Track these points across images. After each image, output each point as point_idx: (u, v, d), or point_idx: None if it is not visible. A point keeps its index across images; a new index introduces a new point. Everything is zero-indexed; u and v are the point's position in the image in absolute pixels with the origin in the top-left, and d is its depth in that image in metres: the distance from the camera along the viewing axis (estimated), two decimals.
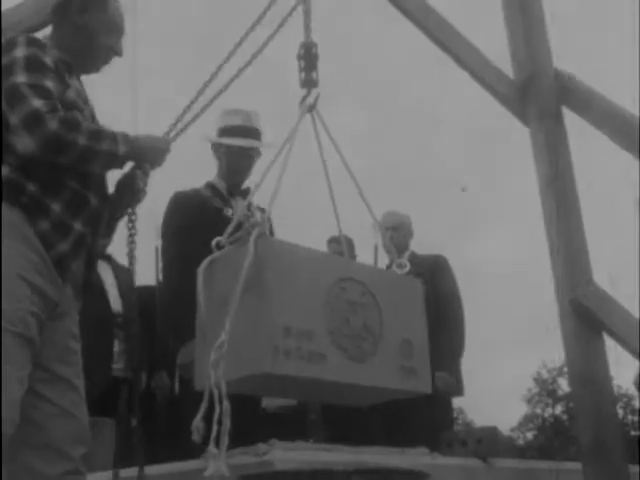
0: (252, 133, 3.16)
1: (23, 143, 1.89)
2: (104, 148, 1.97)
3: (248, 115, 3.18)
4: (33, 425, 1.91)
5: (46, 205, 1.94)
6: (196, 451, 2.11)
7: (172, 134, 2.29)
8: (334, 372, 1.81)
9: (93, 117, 2.18)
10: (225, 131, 3.16)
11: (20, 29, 2.86)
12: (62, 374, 1.99)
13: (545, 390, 33.98)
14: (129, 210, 2.23)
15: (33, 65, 1.96)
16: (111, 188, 2.21)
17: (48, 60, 2.01)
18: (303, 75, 2.29)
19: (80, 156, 1.94)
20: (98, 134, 1.97)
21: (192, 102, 2.32)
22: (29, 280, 1.87)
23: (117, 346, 3.93)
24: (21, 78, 1.92)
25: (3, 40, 2.03)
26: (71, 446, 1.95)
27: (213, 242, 1.92)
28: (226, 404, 1.62)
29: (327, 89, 2.25)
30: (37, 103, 1.89)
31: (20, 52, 1.97)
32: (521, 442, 33.32)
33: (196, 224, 2.93)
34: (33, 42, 2.02)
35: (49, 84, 1.97)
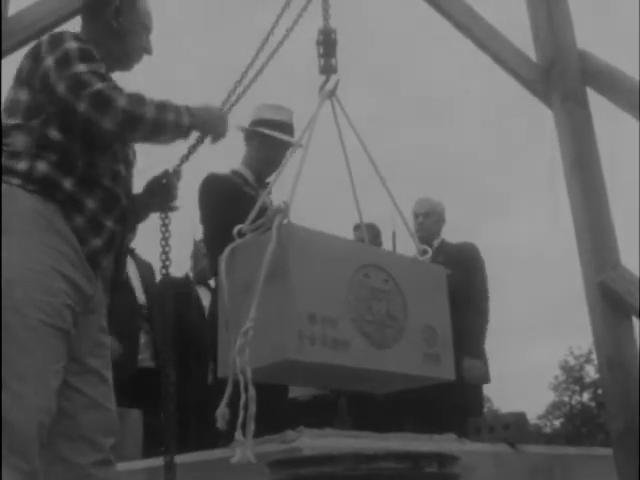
0: (292, 131, 3.32)
1: (99, 127, 1.91)
2: (170, 119, 2.00)
3: (291, 113, 3.34)
4: (65, 416, 1.94)
5: (81, 202, 1.96)
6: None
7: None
8: (358, 359, 1.79)
9: None
10: (270, 124, 3.26)
11: (36, 28, 2.90)
12: (93, 366, 2.02)
13: (572, 377, 33.67)
14: (162, 215, 2.25)
15: (87, 55, 2.01)
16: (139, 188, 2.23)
17: (95, 53, 2.05)
18: (322, 61, 2.27)
19: (151, 129, 1.97)
20: (163, 106, 2.00)
21: (236, 85, 2.35)
22: (64, 273, 1.89)
23: (142, 337, 3.98)
24: (81, 67, 1.96)
25: (47, 35, 2.06)
26: (102, 437, 1.99)
27: (235, 230, 1.91)
28: (252, 390, 1.61)
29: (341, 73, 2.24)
30: (101, 85, 1.93)
31: (72, 44, 2.00)
32: (548, 430, 33.10)
33: (231, 208, 2.93)
34: (79, 38, 2.06)
35: (104, 71, 2.02)
